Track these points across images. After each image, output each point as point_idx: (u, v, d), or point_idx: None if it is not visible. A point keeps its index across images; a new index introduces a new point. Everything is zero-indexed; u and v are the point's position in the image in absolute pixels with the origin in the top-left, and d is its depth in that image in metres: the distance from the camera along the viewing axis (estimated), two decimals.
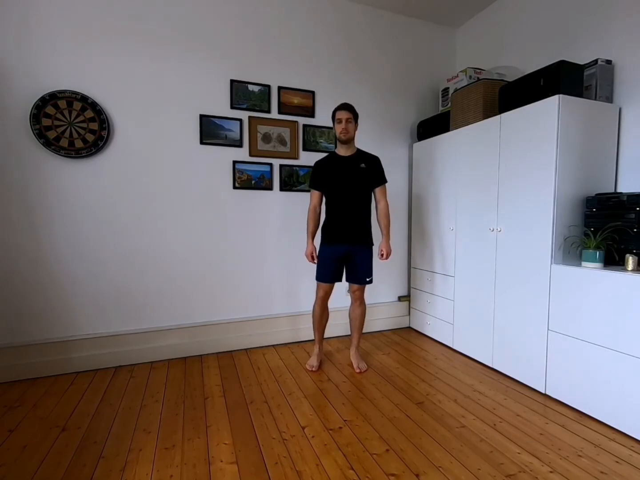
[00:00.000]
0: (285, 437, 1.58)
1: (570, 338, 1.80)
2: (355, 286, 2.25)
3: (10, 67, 2.04)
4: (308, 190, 2.54)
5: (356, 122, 2.15)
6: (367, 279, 2.23)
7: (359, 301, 2.29)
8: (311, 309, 2.38)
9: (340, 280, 2.26)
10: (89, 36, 2.16)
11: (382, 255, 2.22)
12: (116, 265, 2.31)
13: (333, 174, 2.18)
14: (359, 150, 2.23)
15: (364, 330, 2.96)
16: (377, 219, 2.27)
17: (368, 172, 2.18)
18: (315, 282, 2.28)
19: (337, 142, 2.20)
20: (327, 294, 2.26)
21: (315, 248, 2.24)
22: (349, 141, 2.15)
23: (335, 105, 2.20)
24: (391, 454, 1.47)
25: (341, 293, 2.94)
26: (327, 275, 2.21)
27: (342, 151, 2.20)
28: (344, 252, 2.19)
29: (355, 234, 2.18)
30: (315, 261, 2.24)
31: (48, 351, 2.17)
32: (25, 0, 2.03)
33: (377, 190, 2.24)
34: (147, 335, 2.37)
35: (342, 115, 2.09)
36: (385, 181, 2.26)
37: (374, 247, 2.28)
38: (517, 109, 2.05)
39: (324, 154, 2.77)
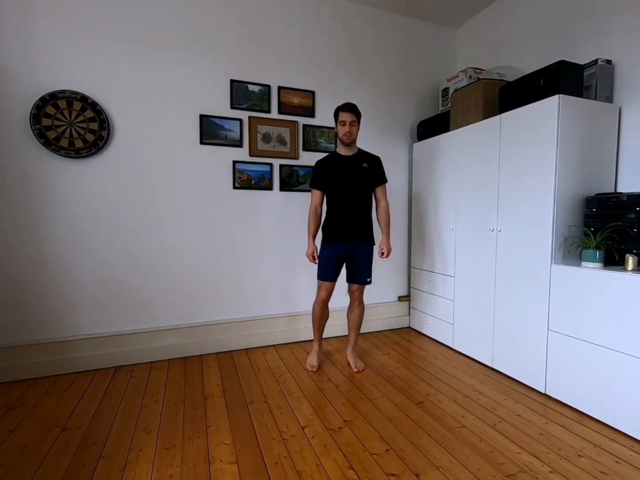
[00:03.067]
0: (285, 437, 1.57)
1: (570, 338, 1.80)
2: (355, 286, 2.24)
3: (11, 67, 2.04)
4: (308, 190, 2.54)
5: (359, 122, 2.15)
6: (368, 279, 2.23)
7: (357, 301, 2.29)
8: (310, 308, 2.37)
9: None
10: (89, 36, 2.16)
11: (382, 253, 2.23)
12: (116, 265, 2.31)
13: (336, 173, 2.16)
14: (360, 149, 2.23)
15: (364, 330, 2.98)
16: (378, 218, 2.28)
17: (370, 171, 2.19)
18: (315, 282, 2.27)
19: (339, 142, 2.19)
20: (329, 294, 2.23)
21: (316, 248, 2.22)
22: (352, 144, 2.16)
23: (337, 105, 2.18)
24: (391, 454, 1.47)
25: (341, 293, 2.94)
26: (329, 273, 2.19)
27: (343, 151, 2.19)
28: (345, 251, 2.18)
29: (357, 233, 2.18)
30: (316, 261, 2.22)
31: (48, 351, 2.17)
32: (25, 0, 2.04)
33: (378, 189, 2.25)
34: (147, 335, 2.37)
35: (347, 118, 2.07)
36: (386, 181, 2.27)
37: (374, 246, 2.28)
38: (517, 109, 2.05)
39: (324, 154, 2.78)
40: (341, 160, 2.17)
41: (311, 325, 2.38)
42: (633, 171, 1.95)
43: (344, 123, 2.08)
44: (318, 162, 2.24)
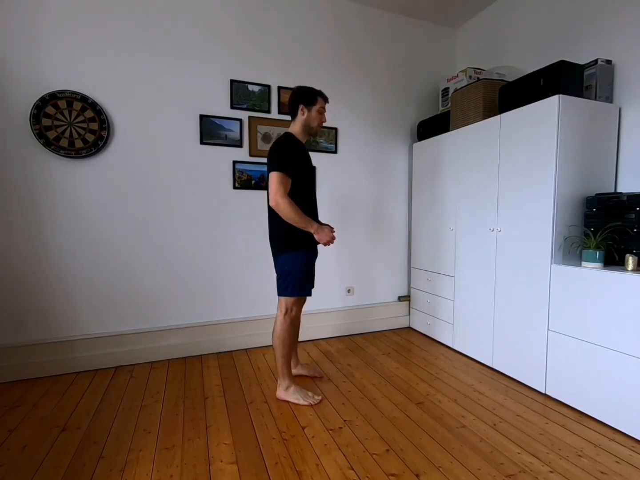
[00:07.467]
0: (285, 437, 1.57)
1: (570, 338, 1.80)
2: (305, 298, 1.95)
3: (11, 67, 2.03)
4: None
5: None
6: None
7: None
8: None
9: None
10: (89, 36, 2.16)
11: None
12: (116, 265, 2.31)
13: (310, 162, 1.88)
14: None
15: (364, 330, 2.98)
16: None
17: None
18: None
19: (302, 129, 1.86)
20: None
21: (325, 226, 1.81)
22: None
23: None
24: (391, 454, 1.47)
25: (341, 291, 2.94)
26: (312, 285, 1.91)
27: (303, 139, 1.89)
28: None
29: None
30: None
31: (48, 351, 2.17)
32: (25, 0, 2.04)
33: None
34: (147, 335, 2.37)
35: (325, 107, 1.89)
36: None
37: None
38: (517, 109, 2.05)
39: (324, 154, 2.80)
40: (305, 149, 1.86)
41: (280, 355, 1.84)
42: (633, 171, 1.95)
43: (323, 111, 1.87)
44: (295, 141, 1.80)
